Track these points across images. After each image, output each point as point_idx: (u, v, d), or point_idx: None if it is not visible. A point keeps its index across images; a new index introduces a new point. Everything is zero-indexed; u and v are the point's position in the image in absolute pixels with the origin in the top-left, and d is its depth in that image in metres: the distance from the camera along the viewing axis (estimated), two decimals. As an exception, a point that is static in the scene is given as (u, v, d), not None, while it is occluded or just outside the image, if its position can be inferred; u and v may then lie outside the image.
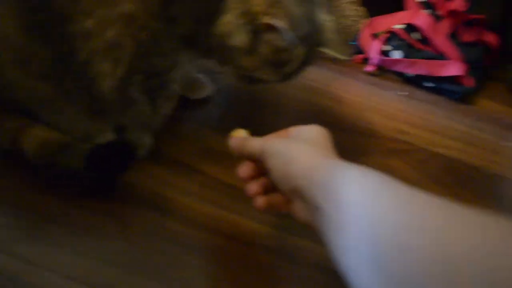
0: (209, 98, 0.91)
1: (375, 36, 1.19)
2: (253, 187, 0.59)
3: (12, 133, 0.68)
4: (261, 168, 0.58)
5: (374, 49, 1.15)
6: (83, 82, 0.65)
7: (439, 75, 1.11)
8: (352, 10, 1.25)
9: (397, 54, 1.14)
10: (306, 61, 0.71)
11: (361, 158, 0.88)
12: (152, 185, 0.76)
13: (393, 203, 0.40)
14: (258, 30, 0.65)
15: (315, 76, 1.08)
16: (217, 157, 0.80)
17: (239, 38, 0.66)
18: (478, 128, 1.09)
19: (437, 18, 1.16)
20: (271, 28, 0.63)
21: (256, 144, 0.57)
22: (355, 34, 1.26)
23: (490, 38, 1.22)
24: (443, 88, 1.14)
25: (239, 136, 0.63)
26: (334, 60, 1.17)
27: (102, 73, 0.64)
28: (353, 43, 1.24)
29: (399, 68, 1.15)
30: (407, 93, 1.13)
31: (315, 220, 0.49)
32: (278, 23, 0.62)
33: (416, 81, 1.16)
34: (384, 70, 1.19)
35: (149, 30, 0.62)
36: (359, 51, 1.21)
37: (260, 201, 0.59)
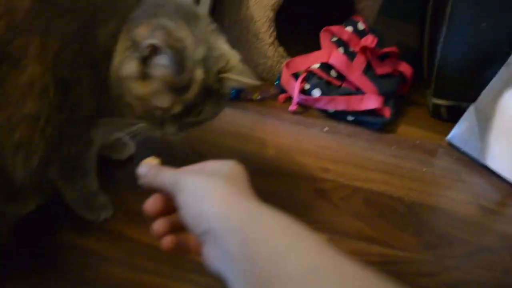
0: (132, 157, 0.92)
1: (295, 75, 1.24)
2: (160, 224, 0.52)
3: None
4: (170, 204, 0.52)
5: (295, 88, 1.20)
6: None
7: (357, 109, 1.18)
8: (272, 51, 1.30)
9: (316, 92, 1.19)
10: (209, 89, 0.65)
11: (286, 201, 0.91)
12: (76, 255, 0.75)
13: (308, 266, 0.37)
14: (145, 55, 0.61)
15: (241, 121, 1.12)
16: (143, 220, 0.80)
17: (128, 66, 0.63)
18: (398, 156, 1.15)
19: (352, 55, 1.23)
20: (156, 50, 0.60)
21: (169, 175, 0.50)
22: (277, 74, 1.31)
23: (404, 68, 1.31)
24: (363, 120, 1.21)
25: (151, 164, 0.56)
26: (260, 100, 1.22)
27: (15, 166, 0.64)
28: (276, 82, 1.29)
29: (320, 105, 1.20)
30: (329, 129, 1.18)
31: (225, 269, 0.44)
32: (161, 43, 0.59)
33: (338, 116, 1.22)
34: (307, 108, 1.24)
35: (55, 123, 0.64)
36: (282, 90, 1.26)
37: (168, 241, 0.51)
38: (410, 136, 1.27)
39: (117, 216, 0.81)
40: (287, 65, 1.25)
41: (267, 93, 1.24)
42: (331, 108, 1.19)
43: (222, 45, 0.69)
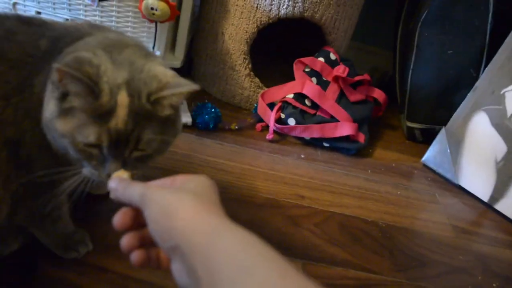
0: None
1: (271, 105, 1.28)
2: (129, 240, 0.51)
3: None
4: (141, 218, 0.50)
5: (271, 118, 1.24)
6: None
7: (332, 136, 1.21)
8: (248, 82, 1.34)
9: (292, 121, 1.23)
10: (143, 114, 0.58)
11: (262, 229, 0.93)
12: (58, 290, 0.76)
13: (265, 285, 0.37)
14: (63, 91, 0.57)
15: (219, 152, 1.14)
16: (122, 252, 0.82)
17: (50, 106, 0.59)
18: (374, 180, 1.19)
19: (325, 84, 1.27)
20: (66, 75, 0.55)
21: (137, 189, 0.50)
22: (254, 104, 1.35)
23: (377, 94, 1.35)
24: (338, 146, 1.25)
25: (120, 178, 0.55)
26: (238, 129, 1.25)
27: None
28: (254, 112, 1.33)
29: (295, 133, 1.24)
30: (306, 156, 1.22)
31: (191, 286, 0.44)
32: (70, 68, 0.54)
33: (314, 143, 1.26)
34: (285, 136, 1.28)
35: (16, 180, 0.65)
36: (259, 119, 1.29)
37: (137, 257, 0.51)
38: (386, 159, 1.31)
39: (98, 249, 0.82)
40: (263, 95, 1.29)
41: (244, 123, 1.27)
42: (306, 136, 1.23)
43: (154, 67, 0.61)
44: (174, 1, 1.08)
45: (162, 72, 0.61)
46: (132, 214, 0.51)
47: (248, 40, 1.29)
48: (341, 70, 1.25)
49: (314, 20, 1.28)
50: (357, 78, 1.30)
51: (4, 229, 0.70)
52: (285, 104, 1.25)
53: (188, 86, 0.59)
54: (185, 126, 1.20)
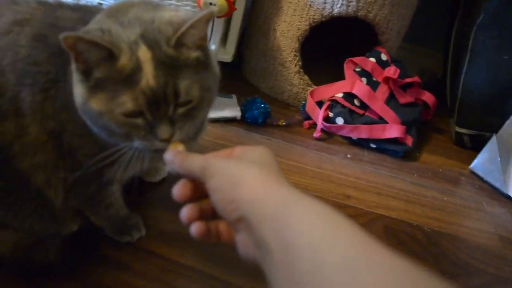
0: (164, 179, 0.97)
1: (319, 103, 1.28)
2: (189, 211, 0.50)
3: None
4: (200, 190, 0.49)
5: (319, 116, 1.24)
6: (31, 202, 0.71)
7: (380, 137, 1.21)
8: (298, 79, 1.35)
9: (340, 120, 1.23)
10: (170, 63, 0.54)
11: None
12: (112, 271, 0.79)
13: (350, 256, 0.35)
14: (80, 66, 0.54)
15: (267, 147, 1.16)
16: (174, 239, 0.82)
17: (77, 90, 0.57)
18: (420, 184, 1.18)
19: (375, 84, 1.27)
20: (78, 41, 0.51)
21: (197, 160, 0.48)
22: (302, 101, 1.36)
23: (427, 97, 1.33)
24: (385, 148, 1.24)
25: (177, 150, 0.53)
26: (285, 125, 1.26)
27: (51, 198, 0.70)
28: (302, 109, 1.34)
29: (343, 133, 1.24)
30: (352, 156, 1.22)
31: (261, 258, 0.42)
32: (77, 34, 0.51)
33: (361, 143, 1.25)
34: (331, 134, 1.28)
35: (64, 168, 0.67)
36: (307, 117, 1.30)
37: (197, 228, 0.49)
38: (433, 164, 1.29)
39: (151, 234, 0.85)
40: (312, 93, 1.29)
41: (292, 119, 1.28)
42: (354, 136, 1.23)
43: (164, 14, 0.57)
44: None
45: (174, 15, 0.58)
46: (190, 186, 0.50)
47: (299, 38, 1.29)
48: (392, 71, 1.24)
49: (368, 20, 1.27)
50: (408, 80, 1.28)
51: (62, 211, 0.74)
52: (334, 103, 1.25)
53: (203, 12, 0.54)
54: (235, 120, 1.22)
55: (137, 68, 0.53)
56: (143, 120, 0.55)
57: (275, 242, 0.39)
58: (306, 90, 1.35)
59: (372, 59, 1.28)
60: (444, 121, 1.52)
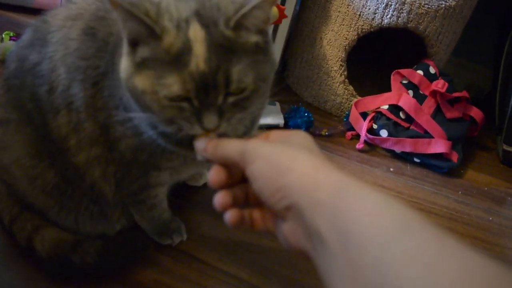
0: (206, 184, 0.98)
1: (363, 115, 1.27)
2: (223, 198, 0.47)
3: (27, 232, 0.75)
4: (233, 176, 0.48)
5: (363, 127, 1.23)
6: (85, 196, 0.74)
7: (424, 152, 1.18)
8: (342, 89, 1.34)
9: (384, 133, 1.22)
10: (226, 45, 0.48)
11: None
12: (152, 272, 0.81)
13: (420, 250, 0.32)
14: (126, 35, 0.51)
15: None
16: (215, 244, 0.82)
17: (123, 64, 0.53)
18: (464, 202, 1.15)
19: (421, 98, 1.24)
20: (119, 7, 0.47)
21: (235, 144, 0.46)
22: (346, 111, 1.35)
23: (475, 113, 1.30)
24: (429, 163, 1.21)
25: (207, 138, 0.51)
26: (328, 135, 1.26)
27: (105, 191, 0.73)
28: (345, 119, 1.33)
29: (387, 145, 1.22)
30: (395, 170, 1.20)
31: (312, 249, 0.39)
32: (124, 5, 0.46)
33: (404, 157, 1.23)
34: (374, 146, 1.26)
35: (113, 163, 0.69)
36: (350, 127, 1.29)
37: (232, 216, 0.47)
38: (478, 182, 1.26)
39: (192, 238, 0.86)
40: (356, 104, 1.28)
41: (335, 130, 1.28)
42: (398, 149, 1.21)
43: None
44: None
45: None
46: (224, 172, 0.48)
47: (347, 47, 1.28)
48: (440, 84, 1.21)
49: (418, 32, 1.25)
50: (456, 94, 1.25)
51: (112, 208, 0.76)
52: (378, 115, 1.24)
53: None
54: (277, 127, 1.22)
55: (187, 49, 0.47)
56: (189, 106, 0.50)
57: (331, 232, 0.36)
58: (350, 101, 1.34)
59: (420, 72, 1.26)
60: (491, 138, 1.48)
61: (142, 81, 0.50)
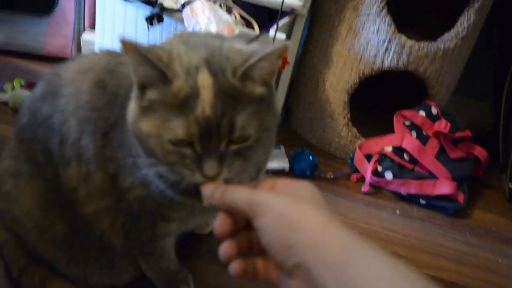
0: (212, 232, 0.98)
1: (368, 157, 1.28)
2: (228, 249, 0.47)
3: (35, 285, 0.75)
4: (238, 223, 0.47)
5: (368, 170, 1.24)
6: (93, 247, 0.74)
7: (430, 193, 1.19)
8: (346, 132, 1.35)
9: (389, 175, 1.22)
10: (232, 94, 0.50)
11: None
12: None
13: None
14: (136, 79, 0.52)
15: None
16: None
17: (131, 108, 0.54)
18: (472, 244, 1.14)
19: (425, 139, 1.26)
20: (131, 49, 0.48)
21: (244, 193, 0.45)
22: (350, 153, 1.35)
23: (478, 151, 1.31)
24: (436, 205, 1.21)
25: (215, 184, 0.50)
26: (333, 178, 1.26)
27: (114, 242, 0.73)
28: (350, 162, 1.33)
29: (392, 187, 1.22)
30: (401, 212, 1.20)
31: None
32: (132, 43, 0.47)
33: (410, 199, 1.23)
34: (379, 188, 1.27)
35: (121, 213, 0.70)
36: (355, 170, 1.30)
37: (237, 267, 0.47)
38: (485, 222, 1.25)
39: (198, 287, 0.85)
40: (361, 146, 1.29)
41: (340, 173, 1.28)
42: (403, 191, 1.21)
43: (235, 44, 0.54)
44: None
45: (244, 46, 0.54)
46: (230, 221, 0.47)
47: (349, 90, 1.31)
48: (442, 125, 1.23)
49: (418, 74, 1.27)
50: (459, 134, 1.27)
51: (120, 259, 0.76)
52: (382, 157, 1.25)
53: (276, 45, 0.49)
54: (282, 171, 1.23)
55: (194, 94, 0.49)
56: (191, 151, 0.50)
57: None
58: (354, 143, 1.35)
59: (422, 113, 1.28)
60: (496, 176, 1.48)
61: (147, 125, 0.51)
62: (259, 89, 0.51)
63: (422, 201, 1.22)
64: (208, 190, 0.48)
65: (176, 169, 0.52)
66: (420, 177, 1.20)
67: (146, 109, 0.51)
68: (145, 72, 0.49)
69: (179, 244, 0.86)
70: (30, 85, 1.30)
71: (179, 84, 0.49)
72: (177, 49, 0.51)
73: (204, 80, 0.49)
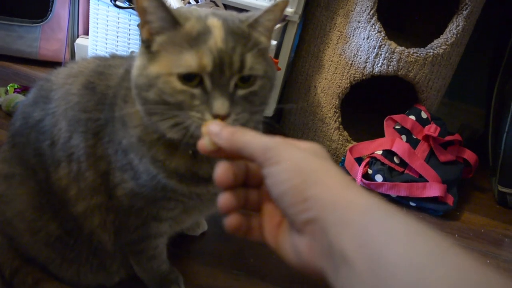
0: (204, 233, 0.99)
1: (358, 160, 1.29)
2: (229, 200, 0.43)
3: (27, 286, 0.76)
4: (240, 175, 0.44)
5: (358, 173, 1.25)
6: (84, 247, 0.75)
7: (420, 196, 1.20)
8: (337, 135, 1.37)
9: (379, 178, 1.24)
10: (239, 36, 0.53)
11: None
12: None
13: (461, 279, 0.30)
14: (144, 38, 0.56)
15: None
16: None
17: (137, 63, 0.57)
18: (460, 245, 1.14)
19: (415, 142, 1.27)
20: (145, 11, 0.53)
21: (259, 137, 0.41)
22: (341, 157, 1.37)
23: (468, 155, 1.33)
24: (425, 207, 1.23)
25: (222, 123, 0.47)
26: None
27: (105, 241, 0.74)
28: (340, 165, 1.35)
29: (382, 190, 1.24)
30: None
31: (331, 269, 0.36)
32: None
33: (400, 201, 1.25)
34: (370, 191, 1.28)
35: (112, 211, 0.71)
36: (346, 173, 1.31)
37: (234, 221, 0.43)
38: (475, 224, 1.27)
39: (188, 289, 0.87)
40: (351, 149, 1.31)
41: (331, 175, 1.29)
42: (393, 193, 1.23)
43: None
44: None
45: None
46: (233, 169, 0.43)
47: (340, 95, 1.33)
48: (432, 129, 1.25)
49: (408, 79, 1.29)
50: (448, 138, 1.28)
51: (111, 259, 0.77)
52: (373, 160, 1.26)
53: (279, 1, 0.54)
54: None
55: (206, 31, 0.52)
56: (201, 91, 0.51)
57: (359, 254, 0.33)
58: (345, 146, 1.37)
59: (412, 117, 1.30)
60: (486, 179, 1.50)
61: (157, 67, 0.53)
62: (263, 39, 0.56)
63: (412, 204, 1.24)
64: (216, 127, 0.44)
65: (183, 113, 0.52)
66: (410, 180, 1.22)
67: (155, 55, 0.54)
68: (159, 17, 0.52)
69: (170, 245, 0.87)
70: (24, 89, 1.31)
71: (191, 24, 0.53)
72: (187, 7, 0.59)
73: (214, 23, 0.53)
